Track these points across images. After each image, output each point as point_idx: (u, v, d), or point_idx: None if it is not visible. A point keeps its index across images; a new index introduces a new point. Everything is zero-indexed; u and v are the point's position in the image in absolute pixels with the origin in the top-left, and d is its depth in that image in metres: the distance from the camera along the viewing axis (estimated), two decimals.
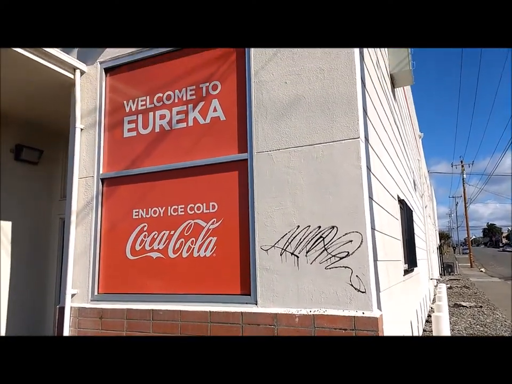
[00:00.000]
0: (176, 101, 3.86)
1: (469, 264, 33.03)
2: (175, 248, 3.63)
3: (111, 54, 4.16)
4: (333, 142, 3.09)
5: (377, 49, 4.63)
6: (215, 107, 3.67)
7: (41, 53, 3.84)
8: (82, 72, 4.24)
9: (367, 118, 3.39)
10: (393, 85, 6.00)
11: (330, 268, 2.96)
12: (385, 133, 4.60)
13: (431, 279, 12.58)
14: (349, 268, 2.90)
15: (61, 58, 3.98)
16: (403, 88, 7.62)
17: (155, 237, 3.74)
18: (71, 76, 4.17)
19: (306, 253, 3.05)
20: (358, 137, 3.01)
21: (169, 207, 3.73)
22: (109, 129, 4.15)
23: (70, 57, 4.09)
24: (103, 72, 4.21)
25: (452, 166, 42.53)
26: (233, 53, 3.67)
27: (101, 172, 4.07)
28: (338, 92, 3.13)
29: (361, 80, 3.26)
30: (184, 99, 3.82)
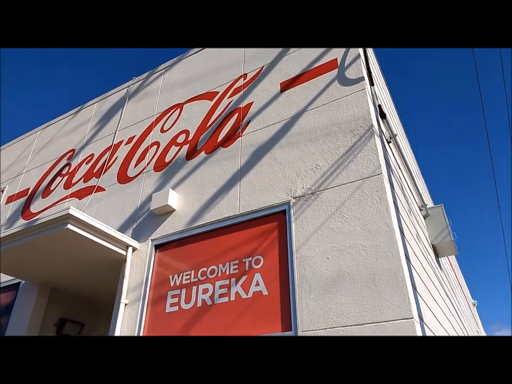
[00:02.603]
0: (219, 274, 3.92)
1: None
2: None
3: (162, 232, 4.50)
4: (384, 322, 2.88)
5: (415, 222, 4.73)
6: (257, 281, 3.67)
7: (98, 232, 4.20)
8: (134, 249, 4.53)
9: (418, 295, 3.22)
10: (437, 255, 5.90)
11: None
12: (438, 307, 4.29)
13: None
14: None
15: (117, 238, 4.33)
16: (448, 258, 7.45)
17: None
18: (123, 253, 4.45)
19: None
20: (412, 318, 2.80)
21: None
22: (152, 304, 4.16)
23: (125, 236, 4.45)
24: (153, 249, 4.47)
25: None
26: (275, 230, 3.86)
27: None
28: (383, 269, 3.08)
29: (405, 255, 3.23)
30: (227, 273, 3.88)
